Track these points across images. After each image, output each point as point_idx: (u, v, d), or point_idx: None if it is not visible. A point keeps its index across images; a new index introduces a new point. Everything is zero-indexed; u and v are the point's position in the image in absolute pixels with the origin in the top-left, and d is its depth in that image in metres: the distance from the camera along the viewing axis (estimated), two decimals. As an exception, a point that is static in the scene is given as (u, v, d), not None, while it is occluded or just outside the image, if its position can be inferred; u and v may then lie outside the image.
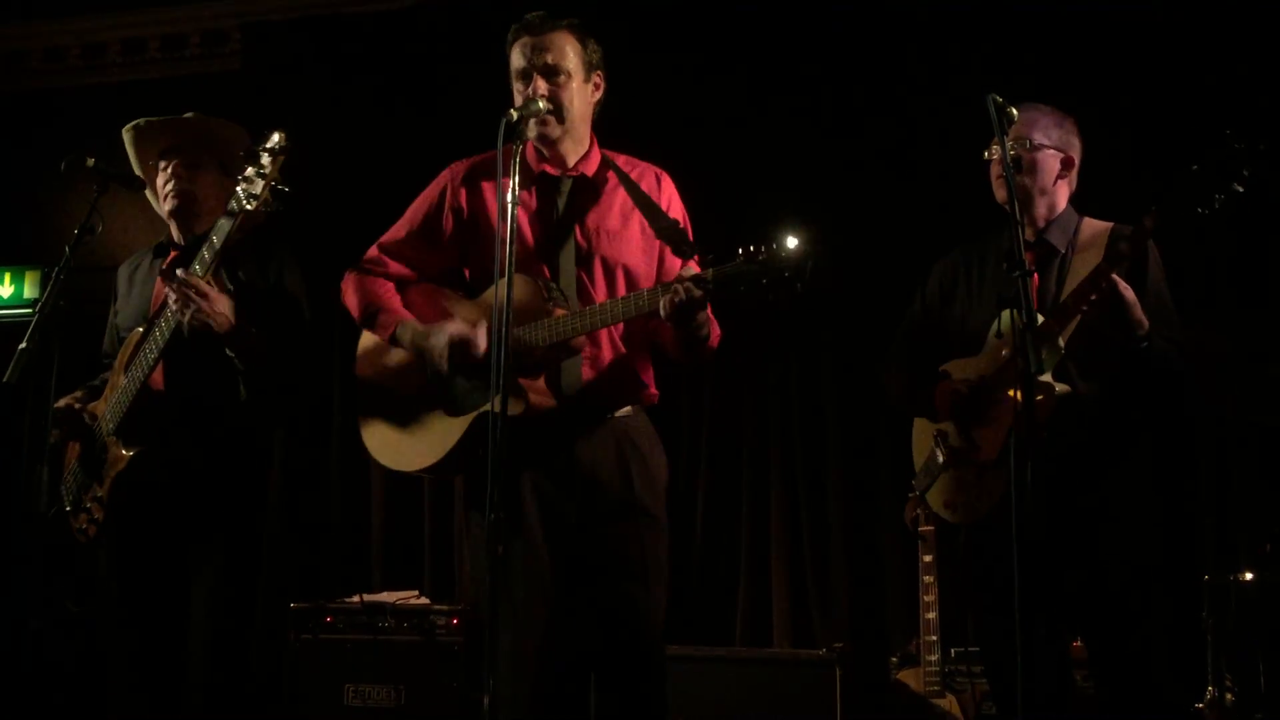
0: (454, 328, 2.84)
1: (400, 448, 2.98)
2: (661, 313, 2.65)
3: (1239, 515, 4.48)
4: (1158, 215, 2.89)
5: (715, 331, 2.92)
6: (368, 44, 5.68)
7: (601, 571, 2.84)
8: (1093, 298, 2.93)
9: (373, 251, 3.09)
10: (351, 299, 3.05)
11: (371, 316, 3.00)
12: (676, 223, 2.79)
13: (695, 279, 2.61)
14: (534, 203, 2.94)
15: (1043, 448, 2.54)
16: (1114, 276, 2.91)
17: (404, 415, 2.97)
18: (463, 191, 3.00)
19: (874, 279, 4.97)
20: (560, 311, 2.77)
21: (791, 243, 2.51)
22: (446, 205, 3.01)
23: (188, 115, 3.52)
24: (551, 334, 2.75)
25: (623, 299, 2.76)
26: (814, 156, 5.13)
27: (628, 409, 2.92)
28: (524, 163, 2.85)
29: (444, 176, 3.06)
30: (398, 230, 3.08)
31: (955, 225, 3.68)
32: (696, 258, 2.70)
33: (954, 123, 3.58)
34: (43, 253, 5.73)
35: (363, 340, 3.09)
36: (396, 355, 2.99)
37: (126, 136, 3.51)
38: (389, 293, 3.02)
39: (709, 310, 2.86)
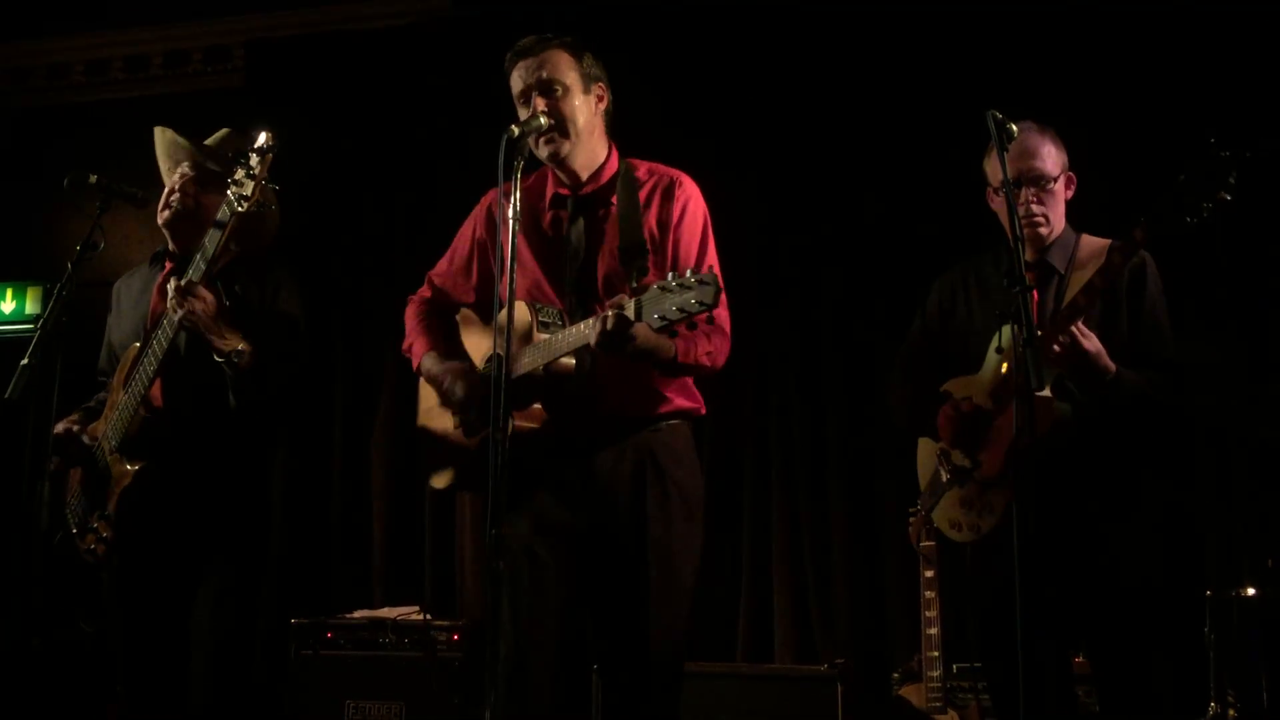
0: (462, 390, 2.89)
1: (441, 467, 3.05)
2: (591, 342, 2.58)
3: (1242, 530, 4.47)
4: (1147, 227, 2.89)
5: (697, 349, 2.78)
6: (370, 60, 5.70)
7: (608, 588, 2.84)
8: (1078, 324, 2.92)
9: (425, 281, 3.20)
10: (407, 327, 3.16)
11: (409, 348, 3.11)
12: (641, 243, 2.75)
13: (616, 304, 2.54)
14: (545, 225, 2.97)
15: (1042, 462, 2.53)
16: (1073, 329, 2.89)
17: (445, 437, 3.03)
18: (489, 220, 3.06)
19: (876, 295, 4.98)
20: (541, 336, 2.77)
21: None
22: (474, 235, 3.10)
23: (224, 133, 3.57)
24: (531, 359, 2.75)
25: (574, 327, 2.68)
26: (817, 172, 5.14)
27: (658, 424, 2.88)
28: (540, 188, 2.97)
29: (480, 204, 3.13)
30: (443, 260, 3.18)
31: (959, 240, 3.68)
32: (629, 285, 2.59)
33: (955, 137, 3.58)
34: (45, 269, 5.74)
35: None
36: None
37: (158, 139, 3.59)
38: (422, 323, 3.11)
39: (698, 331, 2.75)
